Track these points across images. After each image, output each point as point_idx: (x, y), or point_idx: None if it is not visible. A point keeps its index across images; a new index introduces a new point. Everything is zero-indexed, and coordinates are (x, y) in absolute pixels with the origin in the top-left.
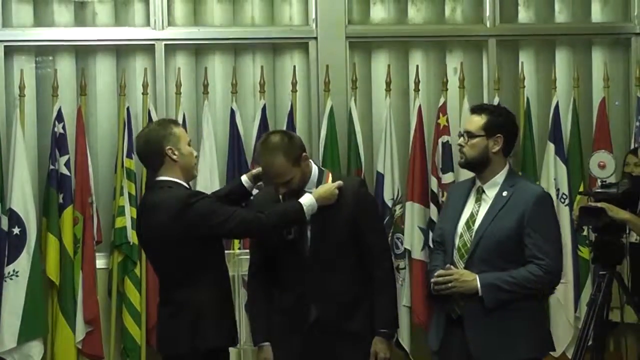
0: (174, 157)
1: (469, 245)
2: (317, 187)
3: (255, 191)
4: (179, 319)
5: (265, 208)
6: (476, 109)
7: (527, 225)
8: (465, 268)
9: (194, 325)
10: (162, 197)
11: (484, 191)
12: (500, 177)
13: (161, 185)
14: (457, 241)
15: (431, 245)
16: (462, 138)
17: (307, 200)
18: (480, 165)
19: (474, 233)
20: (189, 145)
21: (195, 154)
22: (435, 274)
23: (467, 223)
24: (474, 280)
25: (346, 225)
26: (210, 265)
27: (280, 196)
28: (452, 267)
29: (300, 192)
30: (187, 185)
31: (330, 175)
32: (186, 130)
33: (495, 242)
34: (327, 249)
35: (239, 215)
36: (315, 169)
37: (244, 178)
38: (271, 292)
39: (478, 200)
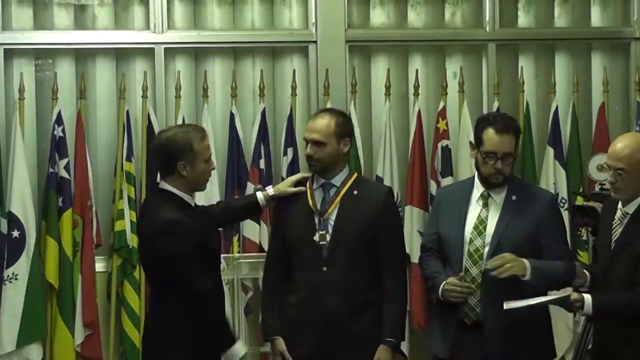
0: (184, 173)
1: (482, 250)
2: (342, 183)
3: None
4: (151, 340)
5: (290, 209)
6: (505, 129)
7: (546, 229)
8: (482, 273)
9: (162, 348)
10: (155, 212)
11: (490, 196)
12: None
13: (160, 195)
14: (467, 247)
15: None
16: (499, 162)
17: (238, 348)
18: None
19: (489, 239)
20: (208, 161)
21: (211, 168)
22: (454, 281)
23: (476, 228)
24: (522, 262)
25: (368, 229)
26: (186, 295)
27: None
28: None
29: (326, 184)
30: (187, 199)
31: (354, 175)
32: None
33: (512, 247)
34: (346, 249)
35: (197, 281)
36: (347, 169)
37: (260, 196)
38: (285, 286)
39: (486, 205)
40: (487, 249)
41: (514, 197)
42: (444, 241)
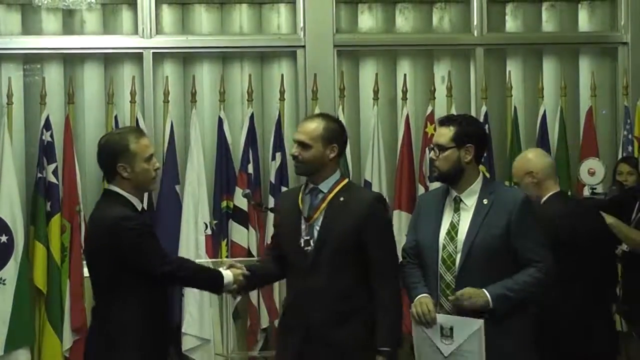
0: (125, 174)
1: (454, 256)
2: (330, 189)
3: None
4: (97, 338)
5: (285, 212)
6: (444, 121)
7: (516, 230)
8: (456, 280)
9: (108, 348)
10: (101, 212)
11: (461, 200)
12: (476, 185)
13: (108, 197)
14: (440, 253)
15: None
16: (432, 152)
17: (227, 275)
18: (454, 177)
19: (460, 244)
20: (149, 160)
21: (155, 167)
22: (425, 303)
23: (448, 234)
24: (484, 295)
25: (352, 236)
26: (136, 290)
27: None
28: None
29: (314, 189)
30: (134, 201)
31: (344, 181)
32: (174, 139)
33: (485, 252)
34: (330, 256)
35: (164, 261)
36: (337, 173)
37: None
38: (279, 265)
39: (457, 210)
40: (459, 255)
41: (485, 201)
42: (420, 248)
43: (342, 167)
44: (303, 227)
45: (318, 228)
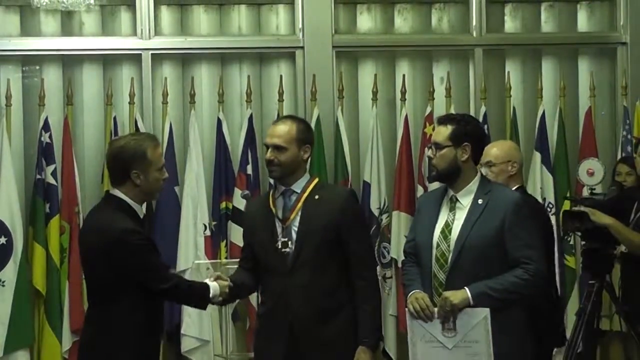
0: (137, 181)
1: (447, 255)
2: (303, 189)
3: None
4: (91, 343)
5: (256, 218)
6: (442, 120)
7: (508, 231)
8: (447, 278)
9: (103, 353)
10: (104, 219)
11: (457, 200)
12: (473, 185)
13: (111, 202)
14: (434, 252)
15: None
16: (430, 150)
17: (214, 288)
18: (452, 176)
19: (452, 242)
20: (161, 170)
21: (164, 177)
22: (421, 297)
23: (442, 233)
24: (464, 292)
25: (331, 232)
26: (131, 296)
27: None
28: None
29: (287, 190)
30: (137, 209)
31: (315, 180)
32: (172, 140)
33: (476, 251)
34: (311, 254)
35: (163, 278)
36: (307, 175)
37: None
38: (254, 277)
39: (452, 209)
40: (451, 253)
41: (480, 201)
42: (418, 246)
43: (341, 168)
44: (279, 229)
45: (295, 228)
